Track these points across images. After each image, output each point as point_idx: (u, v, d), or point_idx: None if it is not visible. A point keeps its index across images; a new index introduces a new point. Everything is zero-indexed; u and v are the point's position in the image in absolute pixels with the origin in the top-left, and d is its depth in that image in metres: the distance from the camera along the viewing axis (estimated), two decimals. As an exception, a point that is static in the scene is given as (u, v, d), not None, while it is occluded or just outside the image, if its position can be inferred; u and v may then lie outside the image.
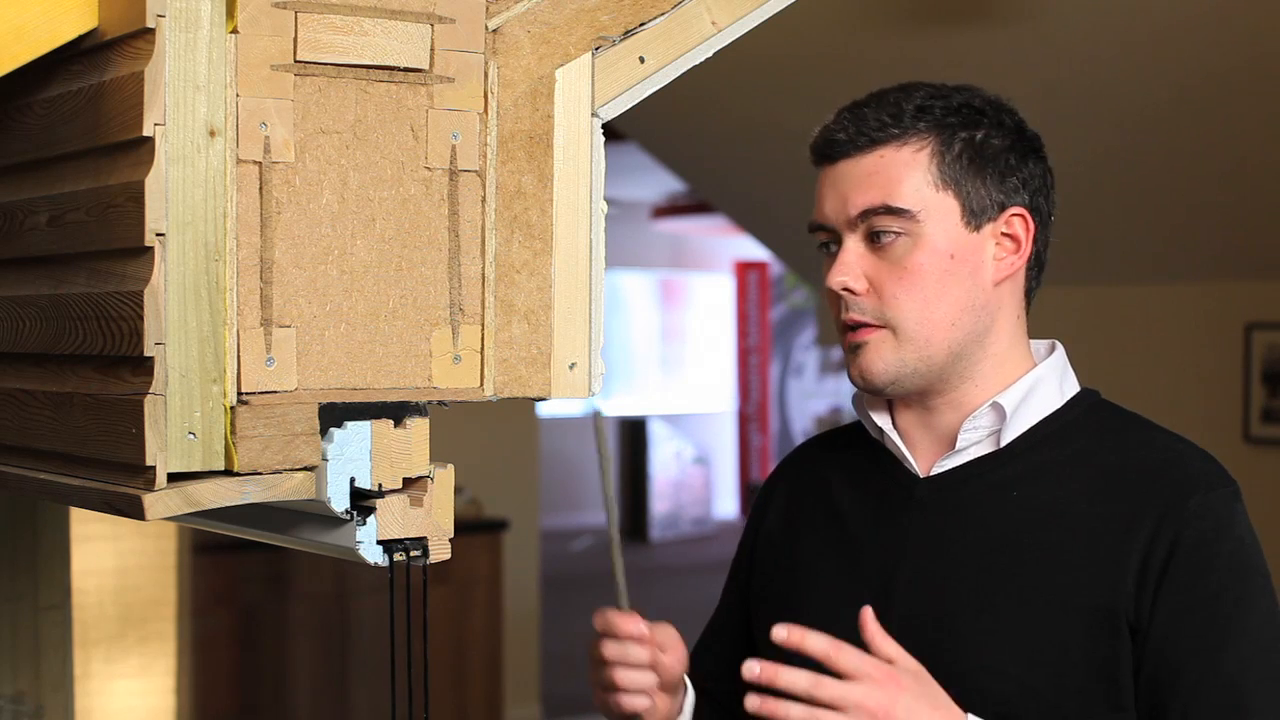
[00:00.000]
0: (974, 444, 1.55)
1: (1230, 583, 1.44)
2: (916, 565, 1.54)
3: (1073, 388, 1.59)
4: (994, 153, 1.53)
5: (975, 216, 1.53)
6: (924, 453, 1.59)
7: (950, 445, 1.57)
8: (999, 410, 1.54)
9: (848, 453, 1.67)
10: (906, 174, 1.50)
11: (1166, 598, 1.43)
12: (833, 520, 1.64)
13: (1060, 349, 1.61)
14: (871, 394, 1.57)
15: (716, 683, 1.79)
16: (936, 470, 1.56)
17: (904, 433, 1.59)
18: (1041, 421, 1.55)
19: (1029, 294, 1.60)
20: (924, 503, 1.56)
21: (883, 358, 1.51)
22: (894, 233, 1.50)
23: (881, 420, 1.60)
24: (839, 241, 1.54)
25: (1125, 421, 1.57)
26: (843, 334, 1.55)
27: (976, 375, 1.54)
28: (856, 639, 1.54)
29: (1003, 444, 1.54)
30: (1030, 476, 1.52)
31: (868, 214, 1.50)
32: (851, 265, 1.52)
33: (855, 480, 1.64)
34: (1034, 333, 1.62)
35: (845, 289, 1.52)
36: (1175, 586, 1.43)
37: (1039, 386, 1.56)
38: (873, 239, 1.51)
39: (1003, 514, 1.52)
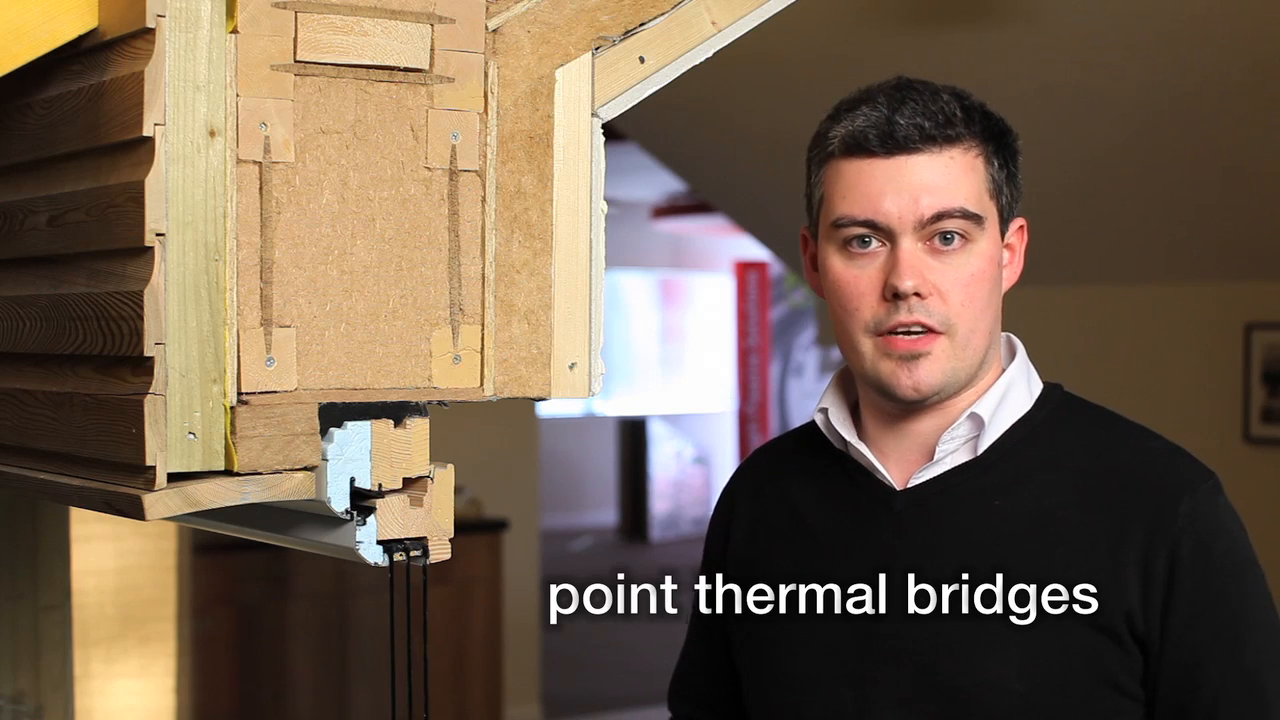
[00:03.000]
0: (950, 453, 1.53)
1: (1232, 582, 1.46)
2: (902, 579, 1.51)
3: (1038, 385, 1.57)
4: (1012, 160, 1.53)
5: (1003, 224, 1.53)
6: (896, 464, 1.55)
7: (924, 454, 1.54)
8: (976, 419, 1.52)
9: (808, 463, 1.63)
10: (973, 179, 1.48)
11: (1176, 607, 1.44)
12: (803, 536, 1.60)
13: (1021, 347, 1.58)
14: (914, 403, 1.51)
15: (705, 711, 1.76)
16: (914, 481, 1.53)
17: (873, 444, 1.56)
18: (1015, 424, 1.54)
19: None
20: (903, 515, 1.53)
21: (941, 367, 1.48)
22: (961, 236, 1.47)
23: (849, 433, 1.56)
24: (887, 239, 1.47)
25: (1095, 418, 1.56)
26: (879, 336, 1.48)
27: (975, 381, 1.53)
28: (842, 657, 1.53)
29: (980, 451, 1.52)
30: (1010, 483, 1.51)
31: (941, 216, 1.46)
32: (917, 268, 1.46)
33: (822, 493, 1.60)
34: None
35: (915, 293, 1.46)
36: (1183, 596, 1.44)
37: (1010, 390, 1.54)
38: (937, 241, 1.47)
39: (986, 523, 1.50)
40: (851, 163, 1.49)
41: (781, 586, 1.60)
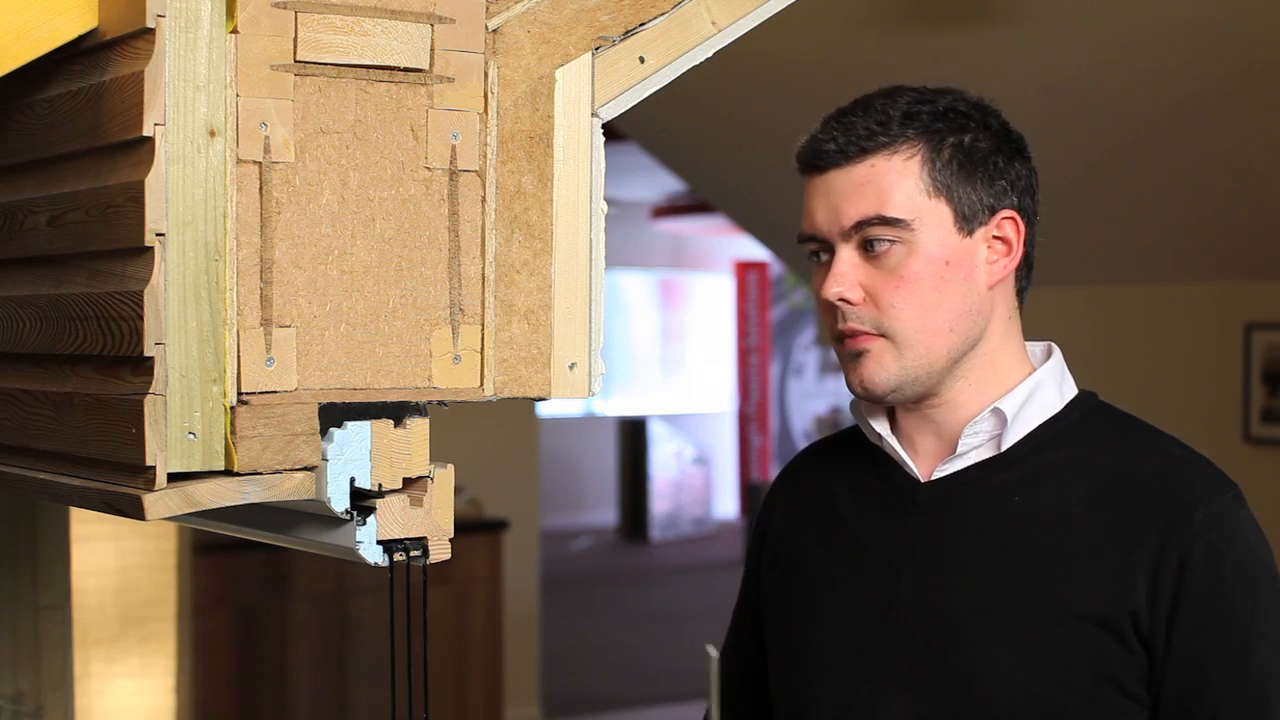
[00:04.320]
0: (974, 448, 1.56)
1: (1244, 591, 1.46)
2: (919, 569, 1.54)
3: (1071, 390, 1.59)
4: (982, 156, 1.52)
5: (967, 221, 1.52)
6: (925, 457, 1.58)
7: (949, 448, 1.57)
8: (1000, 415, 1.54)
9: (848, 458, 1.67)
10: (899, 182, 1.50)
11: (1184, 613, 1.45)
12: (835, 527, 1.64)
13: (1058, 352, 1.60)
14: (871, 402, 1.56)
15: (732, 694, 1.78)
16: (938, 474, 1.56)
17: (905, 437, 1.59)
18: (1041, 425, 1.55)
19: (1020, 294, 1.60)
20: (926, 507, 1.56)
21: (885, 366, 1.51)
22: (888, 241, 1.50)
23: (880, 426, 1.60)
24: (830, 251, 1.53)
25: (1123, 425, 1.57)
26: (838, 342, 1.55)
27: (970, 375, 1.55)
28: (858, 643, 1.56)
29: (1003, 448, 1.55)
30: (1031, 481, 1.53)
31: (861, 224, 1.50)
32: (846, 275, 1.51)
33: (856, 486, 1.64)
34: (1035, 333, 1.62)
35: (842, 299, 1.51)
36: (1192, 601, 1.45)
37: (1039, 391, 1.56)
38: (866, 248, 1.51)
39: (1004, 518, 1.52)
40: (808, 182, 1.56)
41: (811, 573, 1.64)
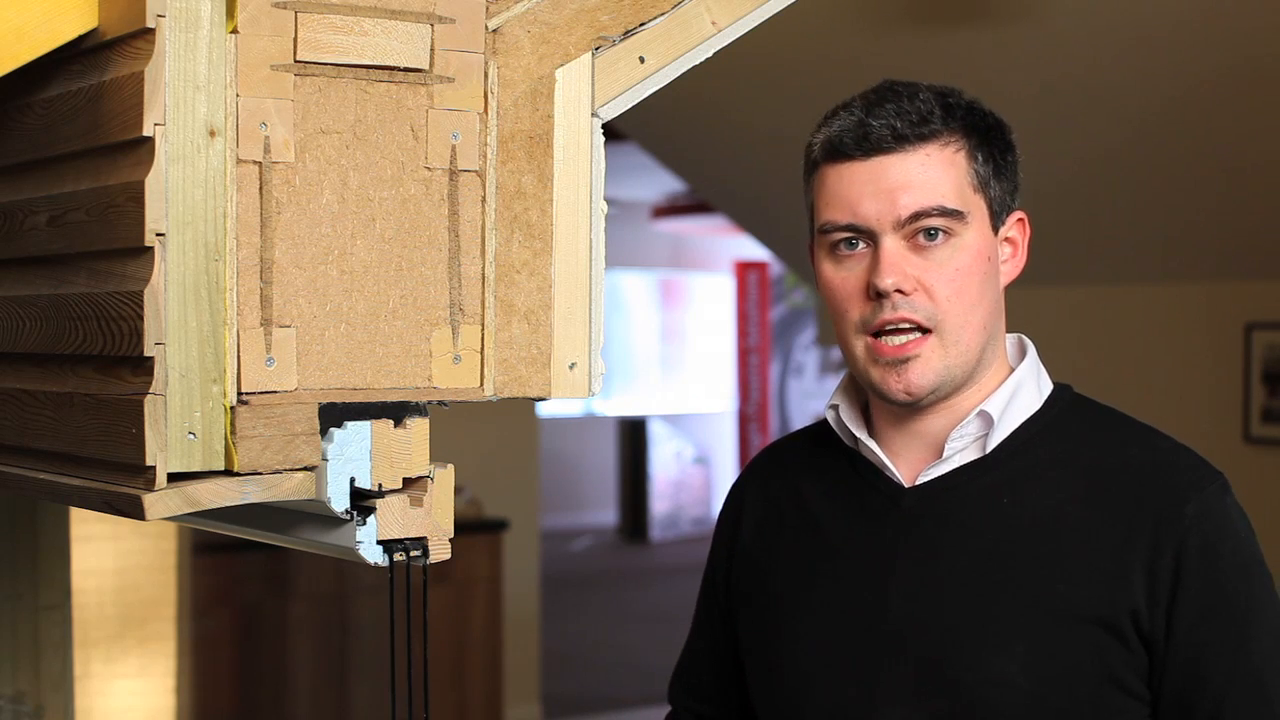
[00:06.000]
0: (959, 451, 1.53)
1: (1239, 582, 1.46)
2: (909, 576, 1.51)
3: (1048, 386, 1.57)
4: (1002, 154, 1.53)
5: (995, 219, 1.52)
6: (906, 461, 1.56)
7: (932, 452, 1.54)
8: (986, 417, 1.52)
9: (818, 459, 1.63)
10: (952, 174, 1.48)
11: (1182, 607, 1.44)
12: (811, 532, 1.60)
13: (1032, 347, 1.58)
14: (905, 406, 1.51)
15: (706, 705, 1.77)
16: (923, 479, 1.54)
17: (883, 441, 1.56)
18: (1024, 424, 1.54)
19: None
20: (912, 512, 1.53)
21: (932, 368, 1.47)
22: (943, 233, 1.47)
23: (859, 430, 1.57)
24: (870, 240, 1.48)
25: (1104, 418, 1.56)
26: (873, 336, 1.48)
27: (979, 380, 1.53)
28: (847, 653, 1.53)
29: (988, 450, 1.53)
30: (1018, 482, 1.51)
31: (919, 215, 1.46)
32: (899, 265, 1.46)
33: (831, 490, 1.60)
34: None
35: (898, 289, 1.46)
36: (1188, 595, 1.44)
37: (1020, 390, 1.54)
38: (920, 238, 1.47)
39: (994, 521, 1.50)
40: (832, 168, 1.50)
41: (788, 581, 1.60)
